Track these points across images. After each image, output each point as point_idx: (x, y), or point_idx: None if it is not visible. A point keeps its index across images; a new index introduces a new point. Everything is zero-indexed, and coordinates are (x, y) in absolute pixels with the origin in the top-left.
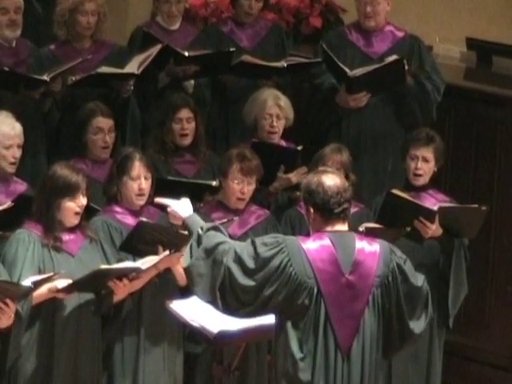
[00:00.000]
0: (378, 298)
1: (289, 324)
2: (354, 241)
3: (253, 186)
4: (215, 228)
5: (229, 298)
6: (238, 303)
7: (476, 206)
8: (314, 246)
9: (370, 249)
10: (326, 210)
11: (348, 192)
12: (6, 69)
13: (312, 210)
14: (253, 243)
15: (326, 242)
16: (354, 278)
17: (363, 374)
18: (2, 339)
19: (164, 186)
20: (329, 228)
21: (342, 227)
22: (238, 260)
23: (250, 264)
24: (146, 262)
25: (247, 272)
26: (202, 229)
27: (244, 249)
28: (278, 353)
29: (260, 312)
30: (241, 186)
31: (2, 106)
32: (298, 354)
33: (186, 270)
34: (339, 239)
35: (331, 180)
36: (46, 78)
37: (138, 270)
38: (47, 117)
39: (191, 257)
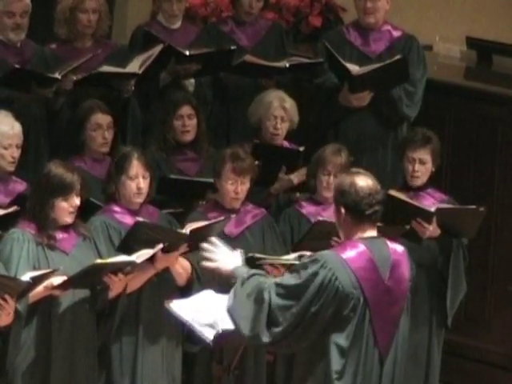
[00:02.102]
0: (408, 301)
1: (330, 339)
2: (387, 246)
3: (247, 186)
4: (259, 274)
5: (275, 330)
6: (284, 332)
7: (474, 206)
8: (353, 255)
9: (400, 254)
10: (357, 210)
11: (380, 194)
12: (17, 66)
13: (343, 211)
14: (293, 270)
15: (362, 249)
16: (392, 283)
17: (394, 376)
18: (2, 338)
19: (167, 185)
20: (359, 233)
21: (372, 233)
22: (281, 290)
23: (293, 289)
24: (140, 256)
25: (290, 297)
26: (246, 273)
27: (284, 278)
28: (309, 369)
29: (307, 332)
30: (234, 186)
31: (8, 106)
32: (336, 370)
33: (227, 312)
34: (374, 245)
35: (364, 181)
36: (57, 75)
37: (133, 264)
38: (58, 115)
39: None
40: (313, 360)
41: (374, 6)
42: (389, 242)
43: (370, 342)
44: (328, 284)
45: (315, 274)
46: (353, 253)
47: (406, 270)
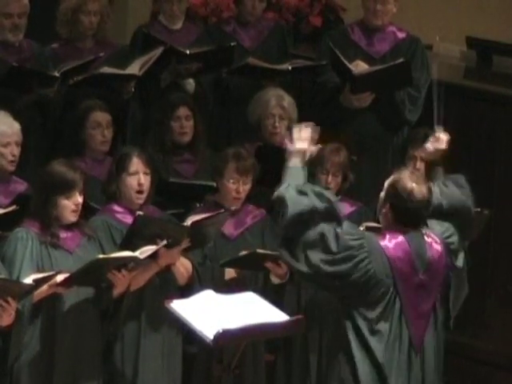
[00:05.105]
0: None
1: (358, 311)
2: (424, 240)
3: (248, 186)
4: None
5: (311, 252)
6: (319, 259)
7: (478, 209)
8: (392, 245)
9: (437, 249)
10: (401, 212)
11: (427, 201)
12: (15, 64)
13: (388, 206)
14: (336, 231)
15: (401, 240)
16: (426, 277)
17: (437, 368)
18: (3, 338)
19: (165, 188)
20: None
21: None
22: (322, 243)
23: (330, 253)
24: (143, 252)
25: (327, 254)
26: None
27: (326, 231)
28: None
29: (336, 281)
30: (236, 186)
31: (7, 106)
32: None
33: (276, 196)
34: (413, 239)
35: (416, 185)
36: (56, 73)
37: (136, 260)
38: (51, 103)
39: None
40: (341, 329)
41: (383, 9)
42: (427, 238)
43: (404, 333)
44: (363, 264)
45: (352, 251)
46: (391, 242)
47: (441, 266)
